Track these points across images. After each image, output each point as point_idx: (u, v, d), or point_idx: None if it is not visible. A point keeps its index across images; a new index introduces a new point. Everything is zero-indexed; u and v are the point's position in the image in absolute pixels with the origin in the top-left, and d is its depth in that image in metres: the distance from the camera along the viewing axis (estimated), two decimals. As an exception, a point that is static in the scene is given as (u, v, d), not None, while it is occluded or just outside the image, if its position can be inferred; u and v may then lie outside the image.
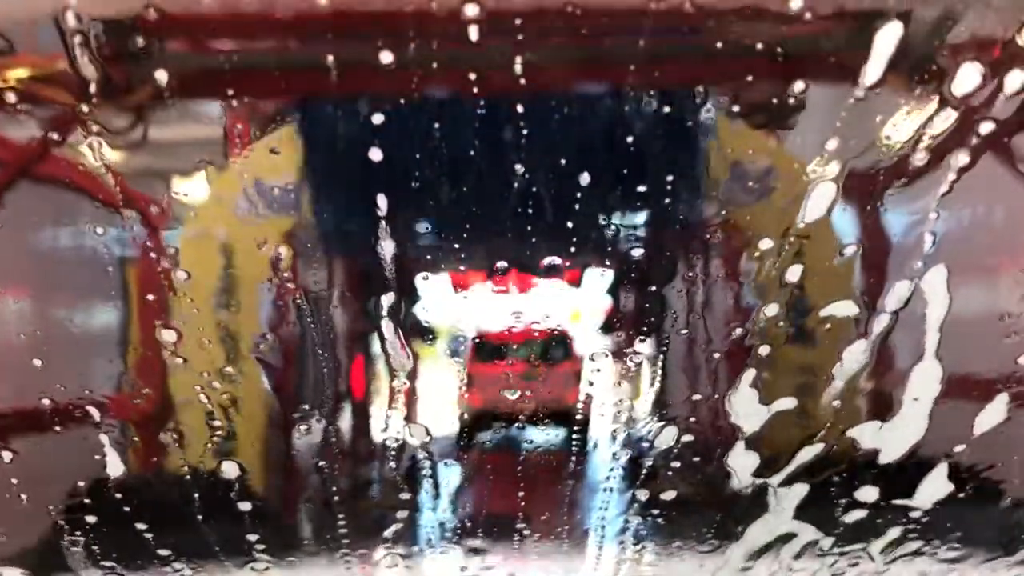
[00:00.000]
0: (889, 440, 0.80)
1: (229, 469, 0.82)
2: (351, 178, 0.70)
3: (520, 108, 0.65)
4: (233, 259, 0.74)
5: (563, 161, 0.68)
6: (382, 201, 0.68)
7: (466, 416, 0.81)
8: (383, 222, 0.69)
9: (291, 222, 0.72)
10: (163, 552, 0.87)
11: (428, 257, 0.72)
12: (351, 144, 0.67)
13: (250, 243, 0.72)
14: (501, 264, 0.73)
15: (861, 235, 0.72)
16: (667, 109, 0.66)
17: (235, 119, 0.68)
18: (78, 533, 0.85)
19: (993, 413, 0.77)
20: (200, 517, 0.85)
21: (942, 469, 0.81)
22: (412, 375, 0.78)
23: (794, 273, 0.73)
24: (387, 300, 0.74)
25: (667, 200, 0.70)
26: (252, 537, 0.86)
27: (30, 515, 0.84)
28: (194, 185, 0.70)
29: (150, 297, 0.74)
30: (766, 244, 0.72)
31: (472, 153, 0.67)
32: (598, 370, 0.79)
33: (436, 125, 0.66)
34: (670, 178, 0.69)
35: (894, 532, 0.87)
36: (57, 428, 0.79)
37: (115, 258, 0.73)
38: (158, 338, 0.75)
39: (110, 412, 0.79)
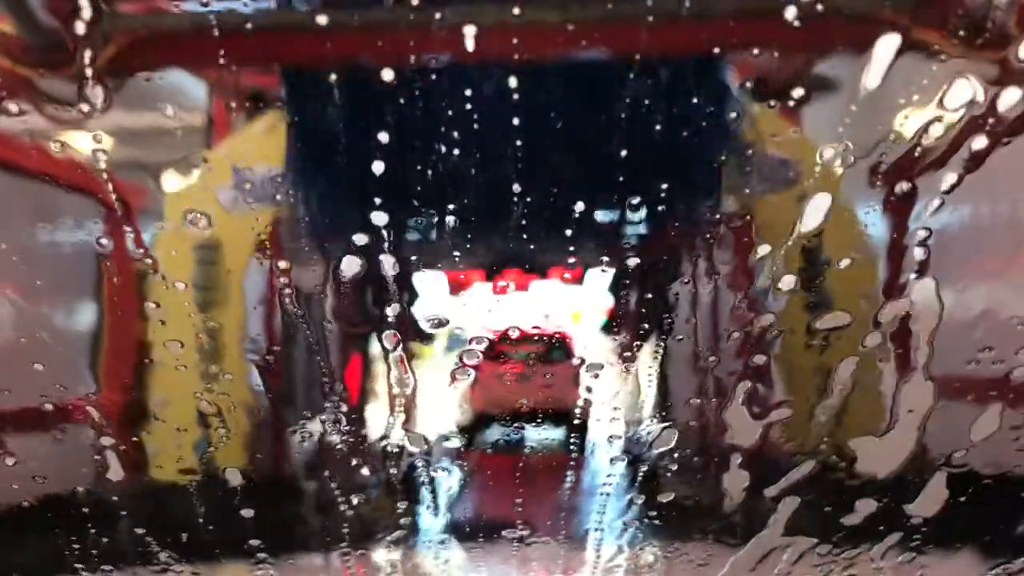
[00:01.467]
0: (884, 452, 0.79)
1: (229, 474, 0.82)
2: (345, 172, 0.69)
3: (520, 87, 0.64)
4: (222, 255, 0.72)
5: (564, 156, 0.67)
6: (379, 199, 0.67)
7: (465, 417, 0.81)
8: (378, 219, 0.68)
9: (280, 215, 0.70)
10: (164, 555, 0.87)
11: (427, 255, 0.72)
12: (348, 136, 0.66)
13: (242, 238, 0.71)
14: (500, 264, 0.73)
15: (855, 248, 0.71)
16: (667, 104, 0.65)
17: (221, 102, 0.64)
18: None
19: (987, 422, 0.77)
20: (200, 520, 0.85)
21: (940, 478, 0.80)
22: (411, 375, 0.78)
23: (787, 283, 0.73)
24: (384, 299, 0.73)
25: (666, 203, 0.69)
26: (254, 540, 0.86)
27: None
28: (181, 176, 0.67)
29: (125, 293, 0.72)
30: (764, 250, 0.71)
31: (472, 144, 0.66)
32: (596, 376, 0.79)
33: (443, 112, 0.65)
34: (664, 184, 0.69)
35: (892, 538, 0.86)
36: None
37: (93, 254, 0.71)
38: (152, 341, 0.75)
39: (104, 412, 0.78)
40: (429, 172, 0.66)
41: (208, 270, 0.73)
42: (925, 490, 0.80)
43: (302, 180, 0.70)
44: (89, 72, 0.61)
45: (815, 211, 0.69)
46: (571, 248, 0.71)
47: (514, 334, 0.77)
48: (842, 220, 0.70)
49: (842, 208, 0.69)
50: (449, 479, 0.85)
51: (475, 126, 0.64)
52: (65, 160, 0.65)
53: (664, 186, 0.68)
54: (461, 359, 0.77)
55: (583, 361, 0.78)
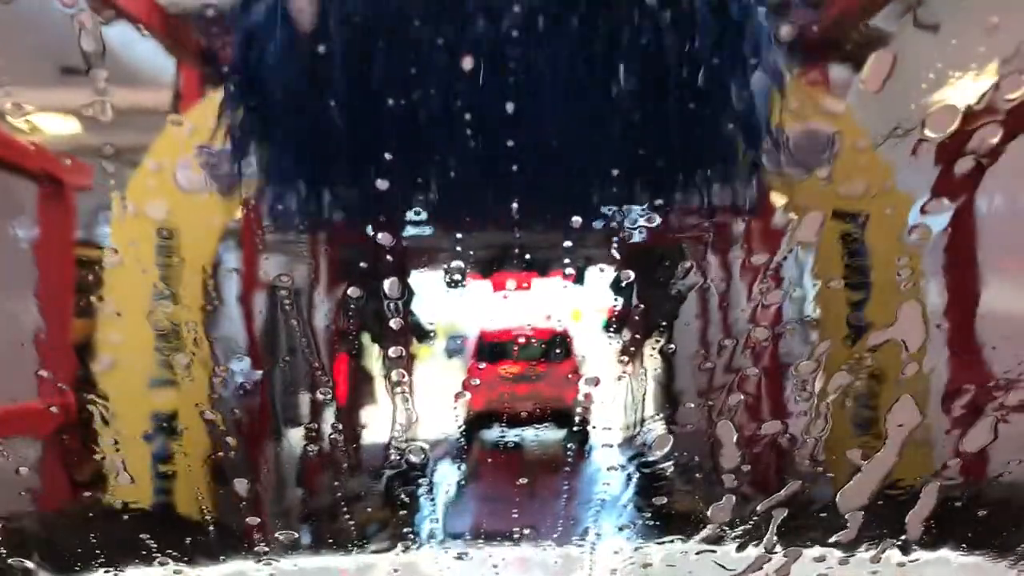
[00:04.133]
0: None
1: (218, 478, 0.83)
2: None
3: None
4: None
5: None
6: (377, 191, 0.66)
7: (464, 417, 0.80)
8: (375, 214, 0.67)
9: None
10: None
11: (426, 251, 0.71)
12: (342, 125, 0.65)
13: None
14: (498, 262, 0.72)
15: (848, 264, 0.71)
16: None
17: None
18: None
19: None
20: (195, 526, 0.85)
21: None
22: (409, 373, 0.78)
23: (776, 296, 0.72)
24: (382, 297, 0.73)
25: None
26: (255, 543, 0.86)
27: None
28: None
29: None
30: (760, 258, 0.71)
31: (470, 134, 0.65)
32: (596, 381, 0.78)
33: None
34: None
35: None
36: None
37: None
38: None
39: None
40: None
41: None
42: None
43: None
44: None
45: (809, 227, 0.68)
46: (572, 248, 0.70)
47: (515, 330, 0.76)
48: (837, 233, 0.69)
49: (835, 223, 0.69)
50: (447, 476, 0.85)
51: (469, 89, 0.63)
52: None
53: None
54: (458, 360, 0.77)
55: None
